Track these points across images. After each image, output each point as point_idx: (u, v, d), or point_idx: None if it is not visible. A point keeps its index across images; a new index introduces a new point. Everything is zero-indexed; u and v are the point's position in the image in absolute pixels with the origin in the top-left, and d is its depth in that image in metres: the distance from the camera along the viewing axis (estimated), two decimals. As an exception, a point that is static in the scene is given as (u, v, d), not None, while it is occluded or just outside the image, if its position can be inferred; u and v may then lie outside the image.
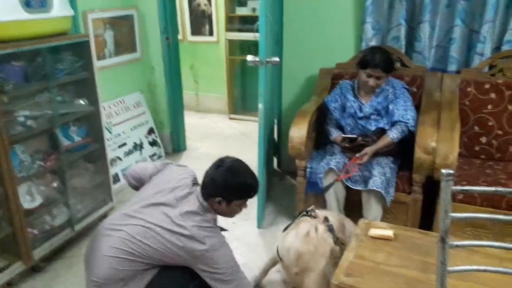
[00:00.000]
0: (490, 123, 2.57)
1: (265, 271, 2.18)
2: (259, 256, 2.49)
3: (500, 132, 2.56)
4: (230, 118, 5.12)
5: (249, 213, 2.95)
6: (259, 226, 2.79)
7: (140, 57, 3.65)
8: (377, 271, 1.55)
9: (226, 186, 1.67)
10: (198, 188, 1.74)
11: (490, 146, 2.59)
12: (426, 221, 2.46)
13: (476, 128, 2.61)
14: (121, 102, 3.49)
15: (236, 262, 1.69)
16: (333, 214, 2.16)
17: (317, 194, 2.66)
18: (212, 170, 1.71)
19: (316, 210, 2.08)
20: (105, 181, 2.80)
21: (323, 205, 2.65)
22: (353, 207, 2.53)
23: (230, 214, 1.77)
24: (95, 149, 2.71)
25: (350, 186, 2.44)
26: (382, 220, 2.43)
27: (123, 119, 3.48)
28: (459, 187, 1.09)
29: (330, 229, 1.93)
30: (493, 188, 1.09)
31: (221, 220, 1.81)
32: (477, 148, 2.64)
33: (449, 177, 1.08)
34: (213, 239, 1.63)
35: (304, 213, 2.08)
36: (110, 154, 3.11)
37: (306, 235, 1.86)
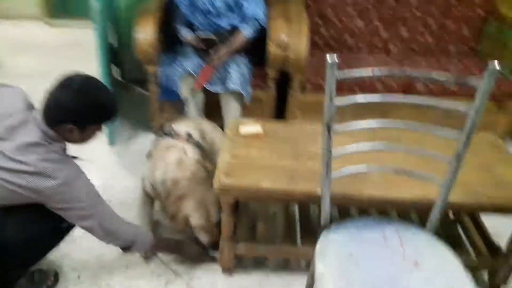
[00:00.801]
0: (329, 15, 2.70)
1: (148, 218, 1.93)
2: (117, 175, 2.30)
3: (338, 23, 2.72)
4: (49, 25, 4.29)
5: (98, 131, 2.64)
6: (112, 143, 2.53)
7: None
8: (254, 167, 1.56)
9: (79, 111, 1.36)
10: (37, 113, 1.39)
11: (330, 38, 2.76)
12: (278, 115, 2.58)
13: (318, 20, 2.72)
14: None
15: (96, 193, 1.47)
16: (190, 122, 2.05)
17: (173, 101, 2.50)
18: (58, 91, 1.36)
19: (173, 125, 1.94)
20: None
21: (180, 111, 2.53)
22: (211, 110, 2.47)
23: (83, 141, 1.49)
24: None
25: (209, 89, 2.35)
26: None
27: None
28: (342, 73, 1.08)
29: (198, 146, 1.85)
30: (369, 70, 1.11)
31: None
32: (318, 40, 2.78)
33: (334, 64, 1.06)
34: (65, 171, 1.37)
35: (162, 134, 1.93)
36: None
37: (179, 163, 1.73)
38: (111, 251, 1.78)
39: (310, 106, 2.50)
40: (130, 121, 2.79)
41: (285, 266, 1.76)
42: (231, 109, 2.39)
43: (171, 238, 1.82)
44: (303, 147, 1.68)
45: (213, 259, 1.75)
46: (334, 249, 1.12)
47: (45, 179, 1.32)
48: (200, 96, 2.40)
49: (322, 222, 1.21)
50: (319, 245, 1.15)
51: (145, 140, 2.60)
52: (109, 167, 2.37)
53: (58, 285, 1.64)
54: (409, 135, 1.65)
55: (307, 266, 1.75)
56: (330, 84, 1.06)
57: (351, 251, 1.11)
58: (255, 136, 1.74)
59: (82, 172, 1.45)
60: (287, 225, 1.80)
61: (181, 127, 1.91)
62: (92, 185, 1.47)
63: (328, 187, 1.16)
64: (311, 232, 1.76)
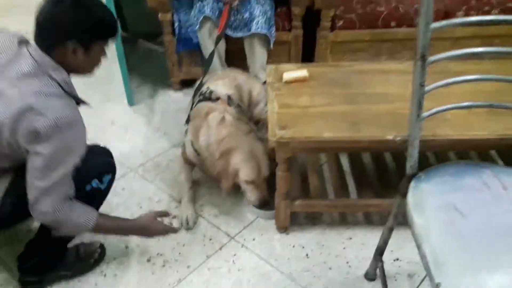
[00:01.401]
0: None
1: (189, 184, 1.76)
2: (148, 137, 2.13)
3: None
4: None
5: (113, 92, 2.46)
6: (131, 103, 2.35)
7: None
8: (308, 116, 1.40)
9: (79, 24, 1.14)
10: (30, 45, 1.18)
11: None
12: (305, 59, 2.38)
13: None
14: None
15: (75, 159, 1.17)
16: (226, 79, 1.87)
17: (191, 52, 2.30)
18: (51, 8, 1.13)
19: (210, 86, 1.76)
20: None
21: (200, 62, 2.33)
22: (233, 58, 2.27)
23: (88, 67, 1.23)
24: None
25: (230, 35, 2.14)
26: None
27: None
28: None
29: (238, 107, 1.72)
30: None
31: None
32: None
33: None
34: (59, 111, 1.10)
35: (201, 97, 1.75)
36: None
37: (220, 123, 1.59)
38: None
39: (341, 45, 2.30)
40: (146, 78, 2.59)
41: (340, 220, 1.66)
42: (257, 55, 2.19)
43: (124, 218, 1.46)
44: (356, 89, 1.52)
45: (174, 231, 1.50)
46: (431, 201, 0.99)
47: (32, 116, 1.08)
48: (223, 45, 2.19)
49: (409, 171, 1.07)
50: (411, 197, 1.02)
51: (166, 97, 2.43)
52: (137, 128, 2.19)
53: (106, 257, 1.53)
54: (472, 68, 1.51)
55: (365, 219, 1.66)
56: (427, 3, 0.87)
57: (452, 202, 0.98)
58: (300, 82, 1.56)
59: (81, 124, 1.18)
60: (339, 177, 1.67)
61: (219, 87, 1.75)
62: (82, 147, 1.19)
63: (418, 130, 1.02)
64: (366, 183, 1.64)
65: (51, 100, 1.11)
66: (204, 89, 1.76)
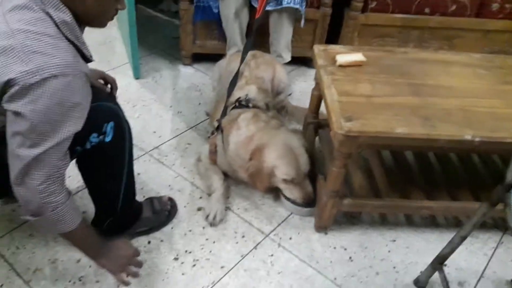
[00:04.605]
0: None
1: (224, 180, 1.56)
2: (156, 114, 1.90)
3: None
4: None
5: (115, 61, 2.19)
6: (137, 76, 2.09)
7: None
8: (373, 107, 1.24)
9: None
10: None
11: None
12: (329, 40, 2.21)
13: None
14: None
15: (66, 123, 0.89)
16: (265, 66, 1.77)
17: (209, 23, 2.07)
18: None
19: (250, 95, 1.60)
20: None
21: (217, 36, 2.11)
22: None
23: (99, 16, 0.96)
24: None
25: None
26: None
27: None
28: None
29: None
30: None
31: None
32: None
33: None
34: (46, 59, 0.82)
35: (237, 104, 1.58)
36: None
37: (251, 120, 1.48)
38: (182, 213, 1.48)
39: (370, 29, 2.14)
40: (151, 48, 2.33)
41: (381, 220, 1.53)
42: (283, 32, 2.00)
43: (100, 237, 1.15)
44: (418, 80, 1.37)
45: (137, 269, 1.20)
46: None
47: (12, 60, 0.82)
48: (246, 19, 1.98)
49: (511, 180, 0.95)
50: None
51: (175, 72, 2.19)
52: (146, 105, 1.94)
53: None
54: None
55: (407, 220, 1.54)
56: None
57: None
58: (356, 67, 1.40)
59: (81, 77, 0.88)
60: (384, 174, 1.53)
61: (260, 96, 1.62)
62: (79, 106, 0.90)
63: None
64: (411, 182, 1.50)
65: (39, 42, 0.83)
66: (242, 96, 1.60)
